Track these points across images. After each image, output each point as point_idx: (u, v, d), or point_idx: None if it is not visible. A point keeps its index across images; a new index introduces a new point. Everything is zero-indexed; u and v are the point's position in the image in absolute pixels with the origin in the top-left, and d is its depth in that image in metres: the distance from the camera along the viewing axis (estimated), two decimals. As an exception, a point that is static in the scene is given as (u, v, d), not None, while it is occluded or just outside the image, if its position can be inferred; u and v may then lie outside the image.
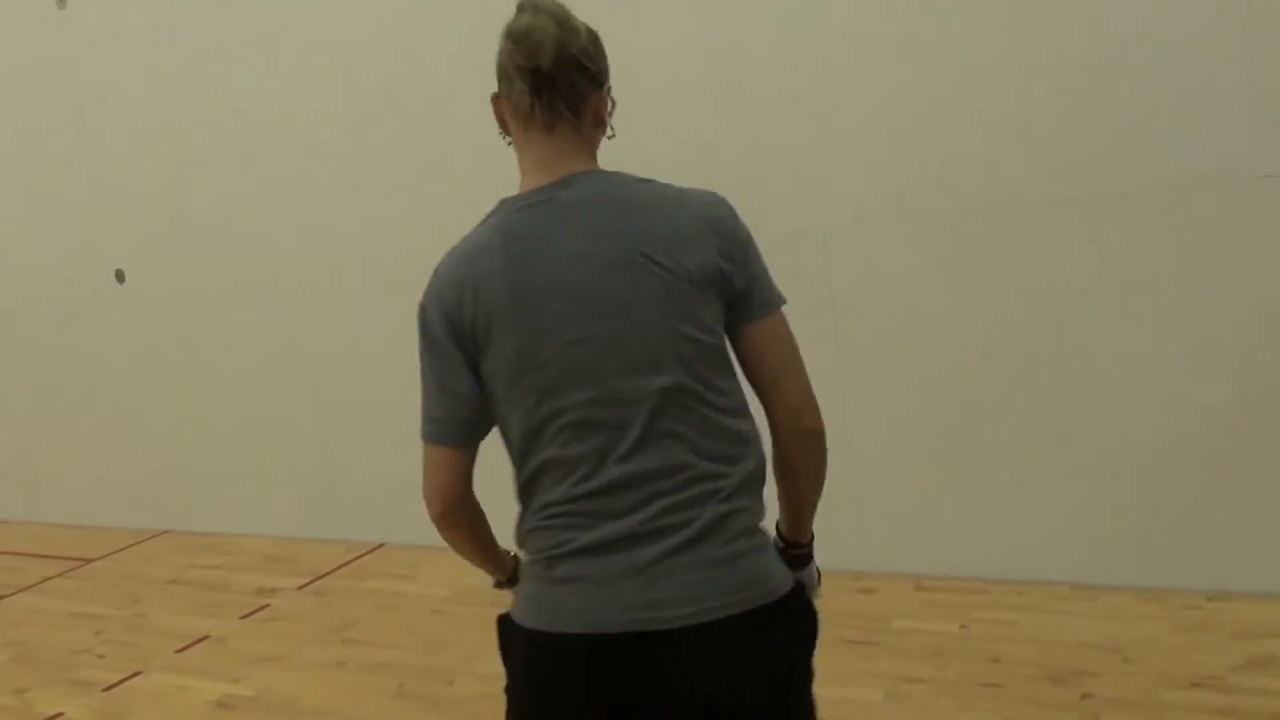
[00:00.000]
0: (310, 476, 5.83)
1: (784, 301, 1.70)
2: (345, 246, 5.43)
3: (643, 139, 4.19)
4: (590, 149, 1.72)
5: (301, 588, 5.11)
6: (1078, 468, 3.91)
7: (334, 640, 4.37)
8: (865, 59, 4.03)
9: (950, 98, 3.91)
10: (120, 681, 4.25)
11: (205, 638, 4.61)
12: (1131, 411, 3.80)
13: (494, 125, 1.76)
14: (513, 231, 1.64)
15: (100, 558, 6.08)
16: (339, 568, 5.33)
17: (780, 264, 1.85)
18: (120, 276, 6.33)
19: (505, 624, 1.72)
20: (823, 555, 3.76)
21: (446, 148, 4.92)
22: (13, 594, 5.65)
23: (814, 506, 1.79)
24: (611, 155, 1.80)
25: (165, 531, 6.41)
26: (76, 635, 4.87)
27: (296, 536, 5.86)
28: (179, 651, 4.49)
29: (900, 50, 3.97)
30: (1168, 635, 3.51)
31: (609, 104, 1.72)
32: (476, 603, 4.32)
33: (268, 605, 4.93)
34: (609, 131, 1.74)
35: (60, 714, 4.02)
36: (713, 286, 1.62)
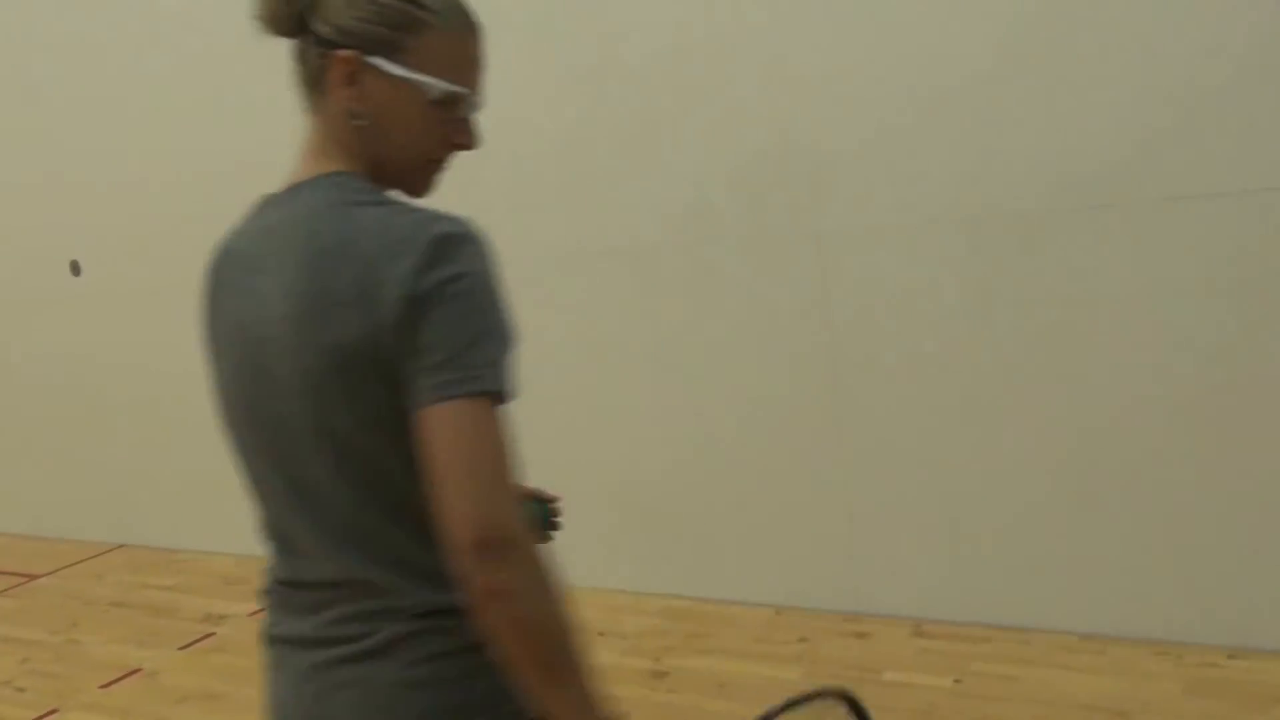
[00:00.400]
0: None
1: (478, 386, 1.21)
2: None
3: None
4: (338, 141, 1.37)
5: (253, 614, 4.74)
6: (1091, 508, 3.58)
7: None
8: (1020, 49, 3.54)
9: (1115, 88, 3.42)
10: (35, 720, 3.94)
11: (137, 670, 4.29)
12: (1150, 450, 3.46)
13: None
14: (232, 251, 1.40)
15: (47, 574, 5.76)
16: None
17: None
18: (75, 269, 5.95)
19: None
20: (816, 592, 3.51)
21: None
22: (-52, 612, 5.34)
23: (551, 687, 1.22)
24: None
25: (121, 546, 6.09)
26: (1, 664, 4.54)
27: (260, 556, 5.49)
28: (104, 686, 4.16)
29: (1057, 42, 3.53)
30: (1179, 698, 3.17)
31: (351, 71, 1.33)
32: None
33: (213, 634, 4.60)
34: (360, 116, 1.34)
35: (-41, 758, 3.78)
36: (368, 365, 1.25)
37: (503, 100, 4.49)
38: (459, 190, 4.70)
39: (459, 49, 1.36)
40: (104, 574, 5.66)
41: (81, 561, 5.91)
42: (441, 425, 1.19)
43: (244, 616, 4.74)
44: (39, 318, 6.25)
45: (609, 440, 4.53)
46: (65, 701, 4.07)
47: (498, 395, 1.21)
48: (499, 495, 1.18)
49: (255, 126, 5.18)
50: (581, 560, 4.56)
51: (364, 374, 1.24)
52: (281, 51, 1.46)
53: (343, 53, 1.32)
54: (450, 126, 1.38)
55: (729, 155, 4.01)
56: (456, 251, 1.23)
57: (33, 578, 5.74)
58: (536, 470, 4.96)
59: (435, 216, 1.26)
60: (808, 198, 3.88)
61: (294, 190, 1.36)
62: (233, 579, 5.30)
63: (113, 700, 4.04)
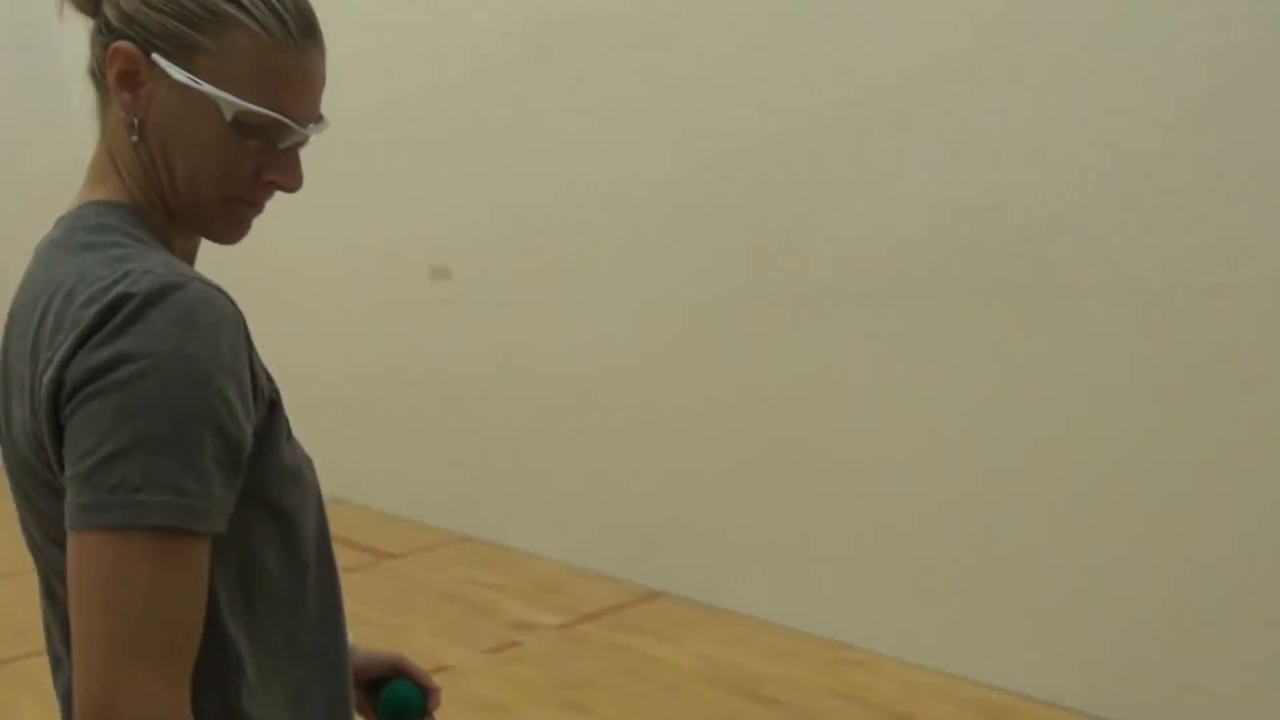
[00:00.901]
0: (606, 503, 5.39)
1: (108, 518, 0.89)
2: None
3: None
4: (114, 160, 1.08)
5: (560, 627, 4.79)
6: None
7: (560, 700, 4.21)
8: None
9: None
10: (346, 700, 4.20)
11: (446, 668, 4.26)
12: None
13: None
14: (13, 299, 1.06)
15: (400, 555, 6.03)
16: (609, 610, 4.98)
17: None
18: (440, 274, 5.95)
19: None
20: (1155, 708, 3.43)
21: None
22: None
23: None
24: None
25: (467, 539, 6.20)
26: None
27: (584, 567, 5.49)
28: None
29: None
30: None
31: (127, 70, 1.03)
32: (723, 687, 4.10)
33: (519, 644, 4.68)
34: (133, 128, 1.04)
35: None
36: (39, 466, 0.98)
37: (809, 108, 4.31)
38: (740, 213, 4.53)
39: (277, 61, 1.03)
40: (445, 564, 5.82)
41: (431, 548, 6.09)
42: (71, 562, 0.91)
43: (551, 629, 4.78)
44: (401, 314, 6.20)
45: (935, 492, 4.13)
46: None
47: (151, 529, 0.89)
48: (118, 668, 0.88)
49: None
50: (886, 622, 4.31)
51: (36, 478, 0.99)
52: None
53: (119, 44, 1.02)
54: (262, 158, 1.06)
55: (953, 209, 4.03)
56: (130, 323, 0.90)
57: (390, 556, 5.99)
58: (837, 522, 4.27)
59: (130, 271, 0.94)
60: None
61: (55, 225, 1.07)
62: (551, 586, 5.28)
63: (419, 695, 4.17)
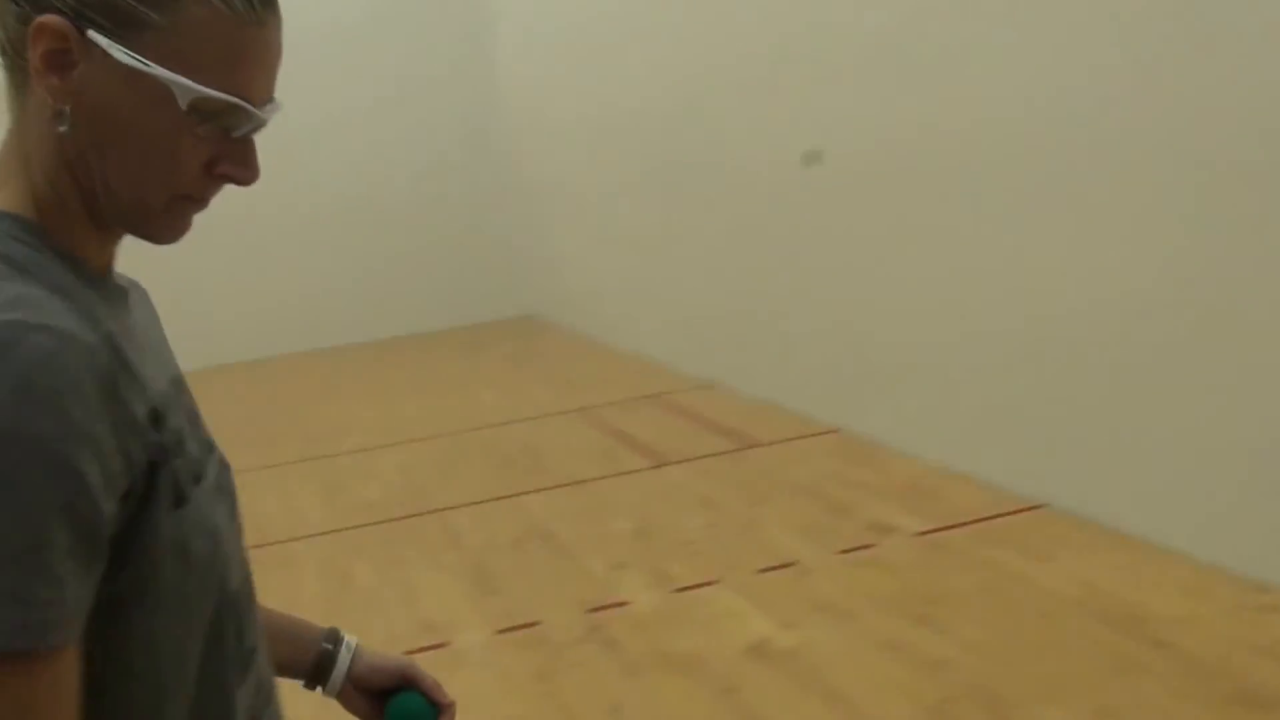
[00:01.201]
0: (987, 403, 4.84)
1: None
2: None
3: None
4: (30, 154, 0.92)
5: (922, 534, 4.45)
6: None
7: (909, 613, 3.81)
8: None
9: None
10: (691, 587, 4.12)
11: (792, 564, 4.26)
12: None
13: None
14: None
15: (766, 443, 5.91)
16: (980, 520, 4.49)
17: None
18: (812, 159, 5.77)
19: None
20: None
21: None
22: (674, 463, 5.72)
23: None
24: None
25: (836, 430, 5.91)
26: (692, 524, 4.80)
27: (959, 470, 4.98)
28: (761, 571, 4.14)
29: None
30: None
31: (56, 49, 0.87)
32: (1103, 620, 3.54)
33: (873, 546, 4.39)
34: (63, 117, 0.88)
35: (628, 603, 4.07)
36: None
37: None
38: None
39: (238, 37, 0.90)
40: (810, 456, 5.63)
41: (797, 439, 5.90)
42: None
43: (909, 535, 4.47)
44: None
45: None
46: (724, 575, 4.10)
47: None
48: None
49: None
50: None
51: None
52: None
53: (45, 19, 0.86)
54: (214, 147, 0.93)
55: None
56: None
57: (757, 445, 5.89)
58: (1267, 442, 3.47)
59: None
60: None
61: None
62: (921, 489, 4.95)
63: (760, 587, 4.03)
